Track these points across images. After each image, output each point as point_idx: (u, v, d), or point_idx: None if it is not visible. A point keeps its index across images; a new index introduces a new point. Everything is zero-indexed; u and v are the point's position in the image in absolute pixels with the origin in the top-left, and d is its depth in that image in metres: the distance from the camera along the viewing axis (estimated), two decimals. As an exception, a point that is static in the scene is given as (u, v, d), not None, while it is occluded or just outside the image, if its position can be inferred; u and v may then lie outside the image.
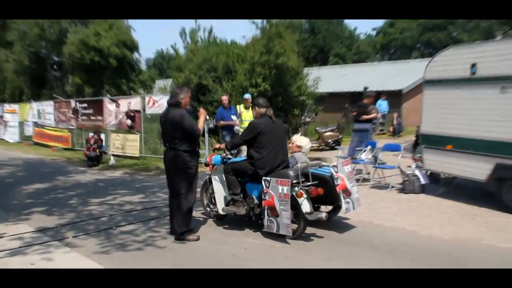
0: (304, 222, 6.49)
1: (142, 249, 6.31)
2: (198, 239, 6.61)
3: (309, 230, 6.72)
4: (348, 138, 15.03)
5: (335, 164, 6.96)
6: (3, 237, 6.89)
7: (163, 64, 59.32)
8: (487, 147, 7.98)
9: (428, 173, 9.73)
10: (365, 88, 24.99)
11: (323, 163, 7.42)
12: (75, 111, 19.22)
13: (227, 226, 7.32)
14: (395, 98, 26.63)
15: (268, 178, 6.56)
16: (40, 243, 6.54)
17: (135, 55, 27.98)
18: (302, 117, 17.69)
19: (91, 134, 16.13)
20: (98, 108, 17.93)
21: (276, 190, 6.42)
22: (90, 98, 21.90)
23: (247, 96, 12.82)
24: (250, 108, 11.82)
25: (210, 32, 26.27)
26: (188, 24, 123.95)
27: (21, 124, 24.02)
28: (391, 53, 57.45)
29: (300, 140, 7.98)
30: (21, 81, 32.22)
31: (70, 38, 26.89)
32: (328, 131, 17.80)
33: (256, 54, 17.94)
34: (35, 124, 22.44)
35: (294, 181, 6.53)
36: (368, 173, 11.18)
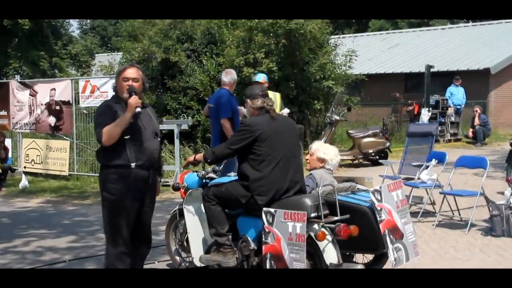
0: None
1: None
2: None
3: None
4: (400, 147, 15.00)
5: (377, 188, 6.64)
6: None
7: (108, 29, 59.52)
8: None
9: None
10: (429, 67, 25.02)
11: (360, 187, 7.31)
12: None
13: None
14: (479, 82, 26.57)
15: (272, 210, 6.36)
16: None
17: (62, 13, 28.10)
18: (328, 114, 17.67)
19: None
20: (1, 98, 17.88)
21: (285, 229, 6.22)
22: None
23: (262, 77, 12.30)
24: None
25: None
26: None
27: None
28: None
29: (323, 150, 7.77)
30: None
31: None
32: (369, 135, 17.78)
33: (255, 14, 18.01)
34: None
35: (313, 215, 6.37)
36: (433, 203, 11.14)
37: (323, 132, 17.26)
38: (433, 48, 31.31)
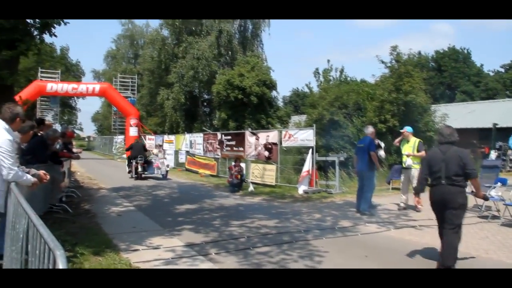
0: (139, 175, 18.40)
1: (276, 270, 6.31)
2: None
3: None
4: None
5: (156, 156, 19.15)
6: (160, 248, 7.36)
7: (298, 101, 60.26)
8: None
9: None
10: (495, 124, 23.21)
11: (158, 157, 18.95)
12: (221, 143, 20.09)
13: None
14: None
15: (133, 160, 18.68)
16: (188, 256, 6.86)
17: (273, 93, 28.77)
18: (429, 152, 16.79)
19: (233, 163, 16.69)
20: (240, 140, 18.54)
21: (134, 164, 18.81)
22: (233, 131, 22.84)
23: (406, 128, 11.68)
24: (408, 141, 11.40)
25: (342, 71, 26.34)
26: (321, 64, 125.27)
27: (176, 153, 25.78)
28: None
29: (154, 150, 19.20)
30: (177, 115, 34.88)
31: (218, 79, 28.49)
32: (456, 166, 16.71)
33: (385, 92, 17.51)
34: (187, 152, 23.93)
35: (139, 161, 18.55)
36: (498, 210, 10.22)
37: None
38: (497, 112, 29.09)
